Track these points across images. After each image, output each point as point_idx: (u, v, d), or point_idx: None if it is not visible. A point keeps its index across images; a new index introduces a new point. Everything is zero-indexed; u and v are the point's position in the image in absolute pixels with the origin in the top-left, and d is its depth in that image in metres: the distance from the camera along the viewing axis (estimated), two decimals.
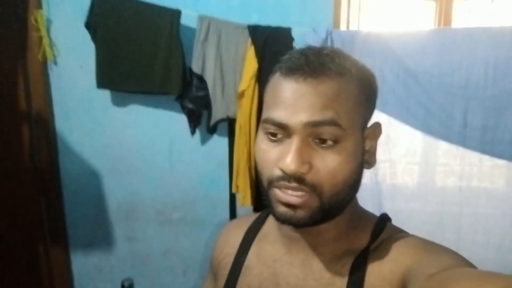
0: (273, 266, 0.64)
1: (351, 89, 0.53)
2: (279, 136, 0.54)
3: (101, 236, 2.10)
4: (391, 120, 1.72)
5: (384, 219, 0.64)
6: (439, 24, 1.83)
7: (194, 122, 1.87)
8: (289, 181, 0.52)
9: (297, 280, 0.61)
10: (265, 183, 0.56)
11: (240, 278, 0.66)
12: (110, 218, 2.08)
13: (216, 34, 1.72)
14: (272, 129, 0.54)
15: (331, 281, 0.58)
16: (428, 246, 0.55)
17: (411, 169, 1.79)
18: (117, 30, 1.72)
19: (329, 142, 0.52)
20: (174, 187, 2.03)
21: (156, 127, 1.97)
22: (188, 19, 1.73)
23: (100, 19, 1.71)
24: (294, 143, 0.51)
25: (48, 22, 1.85)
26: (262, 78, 1.71)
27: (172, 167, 2.01)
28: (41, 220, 2.04)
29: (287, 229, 0.62)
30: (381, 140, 0.62)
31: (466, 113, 1.64)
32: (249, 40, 1.72)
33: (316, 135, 0.52)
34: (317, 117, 0.51)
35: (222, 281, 0.68)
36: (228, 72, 1.77)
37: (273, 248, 0.66)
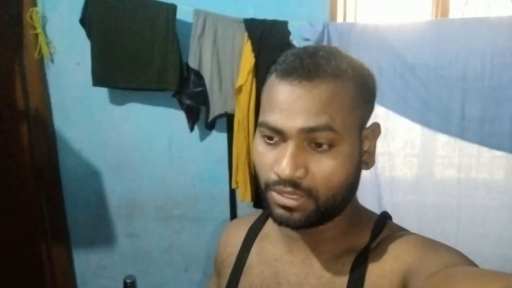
0: (274, 265, 0.65)
1: (347, 91, 0.53)
2: (275, 139, 0.54)
3: (102, 234, 2.11)
4: (389, 113, 1.72)
5: (385, 217, 0.64)
6: (436, 15, 1.82)
7: (193, 118, 1.87)
8: (284, 186, 0.52)
9: (298, 279, 0.61)
10: (262, 186, 0.56)
11: (242, 277, 0.67)
12: (110, 215, 2.09)
13: (212, 28, 1.71)
14: (268, 133, 0.54)
15: (332, 280, 0.58)
16: (429, 245, 0.55)
17: (409, 162, 1.78)
18: (112, 26, 1.71)
19: (324, 147, 0.52)
20: (174, 184, 2.03)
21: (155, 124, 1.97)
22: (184, 14, 1.72)
23: (95, 15, 1.70)
24: (289, 148, 0.51)
25: (44, 19, 1.85)
26: (259, 73, 1.70)
27: (172, 164, 2.01)
28: (42, 219, 2.05)
29: (287, 229, 0.62)
30: (377, 142, 0.61)
31: (464, 105, 1.63)
32: (246, 34, 1.71)
33: (311, 140, 0.52)
34: (311, 122, 0.50)
35: (224, 280, 0.69)
36: (225, 67, 1.76)
37: (274, 247, 0.66)
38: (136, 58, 1.75)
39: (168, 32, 1.71)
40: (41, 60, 1.89)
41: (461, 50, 1.59)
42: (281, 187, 0.53)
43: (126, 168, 2.03)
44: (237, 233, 0.74)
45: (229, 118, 1.86)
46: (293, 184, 0.52)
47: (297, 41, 1.69)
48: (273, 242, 0.67)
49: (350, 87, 0.53)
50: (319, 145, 0.52)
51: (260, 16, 1.72)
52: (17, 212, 1.97)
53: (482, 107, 1.61)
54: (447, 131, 1.69)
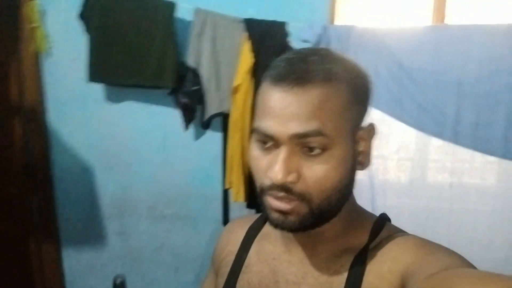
0: (272, 264, 0.65)
1: (339, 95, 0.53)
2: (269, 144, 0.54)
3: (93, 232, 2.08)
4: (384, 116, 1.73)
5: (383, 218, 0.64)
6: (434, 21, 1.84)
7: (188, 116, 1.86)
8: (277, 190, 0.53)
9: (296, 278, 0.61)
10: (258, 190, 0.57)
11: (240, 275, 0.67)
12: (102, 213, 2.06)
13: (211, 28, 1.72)
14: (262, 138, 0.55)
15: (330, 280, 0.58)
16: (428, 246, 0.55)
17: (403, 165, 1.80)
18: (111, 21, 1.70)
19: (316, 151, 0.52)
20: (167, 183, 2.02)
21: (150, 122, 1.96)
22: (183, 12, 1.72)
23: (94, 10, 1.69)
24: (281, 153, 0.52)
25: (42, 13, 1.83)
26: (257, 73, 1.71)
27: (165, 162, 2.00)
28: (32, 216, 2.01)
29: None
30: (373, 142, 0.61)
31: (459, 110, 1.66)
32: (245, 34, 1.72)
33: (303, 145, 0.52)
34: (302, 128, 0.51)
35: (223, 278, 0.69)
36: (223, 67, 1.77)
37: (273, 246, 0.67)
38: (134, 55, 1.74)
39: (167, 29, 1.71)
40: (37, 55, 1.87)
41: (458, 56, 1.62)
42: (275, 192, 0.54)
43: (119, 166, 2.01)
44: (237, 232, 0.74)
45: (225, 117, 1.86)
46: (286, 189, 0.53)
47: (296, 42, 1.70)
48: (272, 242, 0.68)
49: (342, 90, 0.53)
50: (311, 149, 0.52)
51: (259, 16, 1.73)
52: (7, 209, 1.93)
53: (477, 112, 1.64)
54: (441, 135, 1.71)
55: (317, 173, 0.52)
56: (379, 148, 1.77)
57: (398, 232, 0.61)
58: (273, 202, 0.54)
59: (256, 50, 1.70)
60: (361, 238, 0.60)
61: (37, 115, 1.93)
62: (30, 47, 1.82)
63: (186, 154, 1.99)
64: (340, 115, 0.53)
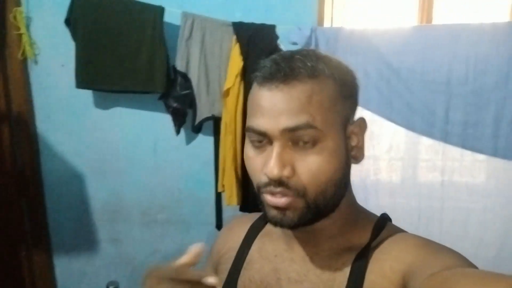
0: (274, 261, 0.65)
1: (326, 89, 0.54)
2: (263, 142, 0.56)
3: (84, 239, 2.06)
4: (374, 117, 1.74)
5: (385, 218, 0.65)
6: (421, 21, 1.86)
7: (179, 121, 1.85)
8: (274, 186, 0.54)
9: (298, 275, 0.62)
10: (256, 189, 0.58)
11: (241, 272, 0.67)
12: (93, 220, 2.04)
13: (200, 31, 1.71)
14: (255, 137, 0.56)
15: (332, 277, 0.59)
16: (430, 246, 0.56)
17: (394, 165, 1.81)
18: (98, 27, 1.69)
19: (308, 144, 0.53)
20: (159, 188, 2.01)
21: (140, 127, 1.95)
22: (171, 16, 1.71)
23: (80, 16, 1.68)
24: (274, 149, 0.54)
25: (28, 19, 1.81)
26: (247, 76, 1.71)
27: (157, 167, 1.99)
28: (22, 223, 1.99)
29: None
30: (365, 136, 0.63)
31: (448, 109, 1.68)
32: (234, 37, 1.72)
33: (295, 139, 0.54)
34: (292, 122, 0.52)
35: (223, 275, 0.69)
36: (213, 70, 1.76)
37: (275, 244, 0.67)
38: (122, 60, 1.73)
39: (155, 34, 1.70)
40: (24, 61, 1.85)
41: (446, 55, 1.64)
42: (272, 188, 0.54)
43: (110, 172, 2.00)
44: (239, 229, 0.74)
45: (216, 121, 1.85)
46: (282, 183, 0.54)
47: (285, 45, 1.70)
48: (274, 240, 0.68)
49: (328, 85, 0.55)
50: (303, 143, 0.53)
51: (247, 19, 1.73)
52: None
53: (465, 111, 1.66)
54: (431, 134, 1.72)
55: (310, 166, 0.54)
56: (370, 149, 1.78)
57: (399, 232, 0.62)
58: (270, 199, 0.55)
59: (245, 53, 1.70)
60: (363, 237, 0.61)
61: (26, 122, 1.91)
62: (16, 54, 1.80)
63: (177, 158, 1.98)
64: (329, 109, 0.54)
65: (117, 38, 1.71)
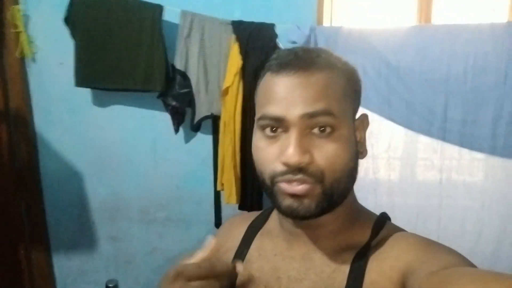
0: (274, 260, 0.65)
1: (340, 81, 0.56)
2: (277, 131, 0.55)
3: (84, 237, 2.06)
4: (373, 116, 1.74)
5: (384, 217, 0.65)
6: (419, 21, 1.86)
7: (178, 119, 1.85)
8: (293, 173, 0.53)
9: (298, 274, 0.61)
10: (267, 181, 0.57)
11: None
12: (93, 218, 2.04)
13: (199, 30, 1.71)
14: (269, 123, 0.55)
15: (332, 275, 0.59)
16: (429, 245, 0.56)
17: (393, 163, 1.82)
18: (97, 25, 1.68)
19: (327, 130, 0.54)
20: (158, 186, 2.01)
21: (139, 125, 1.95)
22: (170, 14, 1.71)
23: (79, 14, 1.67)
24: (293, 135, 0.53)
25: (26, 17, 1.80)
26: (246, 75, 1.71)
27: (156, 166, 1.99)
28: (21, 222, 1.99)
29: (289, 224, 0.63)
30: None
31: (446, 108, 1.68)
32: (233, 36, 1.71)
33: (313, 126, 0.54)
34: (311, 108, 0.53)
35: None
36: (212, 69, 1.76)
37: (275, 243, 0.67)
38: (121, 59, 1.72)
39: (154, 32, 1.69)
40: (22, 59, 1.85)
41: (444, 54, 1.64)
42: (290, 176, 0.54)
43: (109, 170, 1.99)
44: (237, 228, 0.74)
45: (215, 120, 1.85)
46: (302, 170, 0.53)
47: (284, 44, 1.70)
48: (273, 238, 0.68)
49: (341, 78, 0.57)
50: (321, 130, 0.54)
51: (246, 18, 1.73)
52: None
53: (464, 110, 1.66)
54: (429, 133, 1.73)
55: (328, 152, 0.54)
56: (369, 148, 1.76)
57: (399, 231, 0.62)
58: (287, 186, 0.54)
59: (244, 52, 1.69)
60: (363, 235, 0.61)
61: (24, 120, 1.90)
62: (14, 52, 1.80)
63: (176, 157, 1.98)
64: (343, 99, 0.56)
65: (116, 37, 1.70)
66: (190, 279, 0.48)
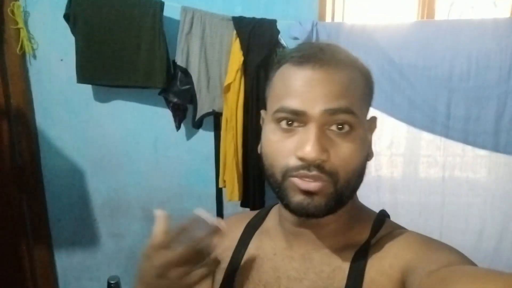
0: (273, 260, 0.64)
1: (360, 80, 0.56)
2: (293, 124, 0.54)
3: (85, 234, 2.06)
4: (375, 112, 1.73)
5: (384, 215, 0.65)
6: (422, 17, 1.85)
7: (179, 116, 1.84)
8: (309, 170, 0.52)
9: (298, 273, 0.61)
10: (278, 175, 0.55)
11: (239, 271, 0.66)
12: (94, 215, 2.04)
13: (200, 26, 1.69)
14: (288, 117, 0.54)
15: (332, 275, 0.58)
16: (429, 243, 0.56)
17: (395, 161, 1.81)
18: (97, 22, 1.67)
19: (345, 129, 0.53)
20: (159, 183, 2.01)
21: (140, 122, 1.94)
22: (171, 10, 1.70)
23: (79, 11, 1.66)
24: (312, 131, 0.52)
25: (26, 13, 1.79)
26: (248, 71, 1.70)
27: (157, 163, 1.99)
28: (23, 219, 1.99)
29: (289, 223, 0.63)
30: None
31: (450, 105, 1.67)
32: (234, 32, 1.70)
33: (332, 122, 0.53)
34: (334, 105, 0.52)
35: (220, 275, 0.68)
36: (213, 65, 1.75)
37: (274, 242, 0.66)
38: (122, 55, 1.71)
39: (155, 29, 1.68)
40: (22, 56, 1.84)
41: (447, 51, 1.63)
42: (305, 172, 0.52)
43: (110, 167, 1.99)
44: (235, 228, 0.73)
45: (216, 116, 1.84)
46: (318, 166, 0.52)
47: (285, 39, 1.69)
48: (272, 238, 0.67)
49: (361, 77, 0.57)
50: (340, 127, 0.53)
51: (248, 14, 1.72)
52: None
53: (467, 106, 1.66)
54: (432, 130, 1.72)
55: (345, 151, 0.53)
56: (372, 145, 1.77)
57: (398, 229, 0.62)
58: (301, 182, 0.53)
59: (246, 48, 1.68)
60: (362, 234, 0.61)
61: (25, 117, 1.90)
62: (15, 48, 1.79)
63: (178, 154, 1.97)
64: (362, 99, 0.56)
65: (117, 33, 1.69)
66: (164, 245, 0.54)
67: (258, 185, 1.79)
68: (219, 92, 1.77)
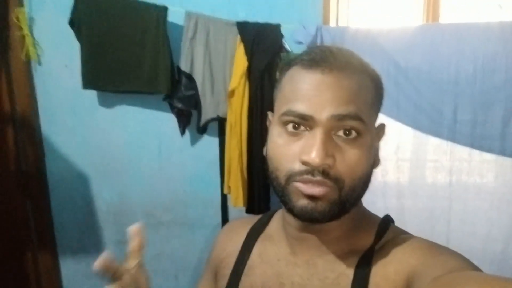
0: (277, 265, 0.63)
1: (370, 86, 0.55)
2: (300, 128, 0.53)
3: (90, 240, 2.06)
4: (381, 117, 1.72)
5: (388, 220, 0.64)
6: (427, 20, 1.84)
7: (184, 122, 1.84)
8: (313, 175, 0.51)
9: (302, 279, 0.60)
10: (282, 179, 0.54)
11: (242, 277, 0.66)
12: (99, 221, 2.04)
13: (204, 31, 1.70)
14: (295, 120, 0.53)
15: (336, 281, 0.57)
16: (434, 248, 0.55)
17: (402, 166, 1.79)
18: (102, 28, 1.68)
19: (352, 135, 0.52)
20: (164, 189, 2.00)
21: (145, 128, 1.94)
22: (175, 16, 1.70)
23: (84, 17, 1.67)
24: (318, 135, 0.51)
25: (31, 20, 1.80)
26: (252, 76, 1.69)
27: (162, 169, 1.98)
28: (28, 225, 1.99)
29: (293, 229, 0.62)
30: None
31: (456, 109, 1.66)
32: (238, 37, 1.70)
33: (339, 128, 0.52)
34: (342, 110, 0.51)
35: (223, 281, 0.68)
36: (218, 70, 1.75)
37: (277, 248, 0.65)
38: (127, 61, 1.72)
39: (159, 34, 1.69)
40: (28, 62, 1.85)
41: (453, 54, 1.62)
42: (309, 177, 0.51)
43: (114, 173, 1.99)
44: (237, 233, 0.72)
45: (221, 122, 1.84)
46: (323, 172, 0.51)
47: (289, 44, 1.68)
48: (276, 243, 0.66)
49: (371, 83, 0.56)
50: (347, 133, 0.52)
51: (251, 19, 1.72)
52: (2, 218, 1.91)
53: (473, 110, 1.64)
54: (439, 134, 1.70)
55: (351, 158, 0.52)
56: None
57: (402, 234, 0.61)
58: (305, 187, 0.52)
59: (250, 53, 1.68)
60: (366, 239, 0.60)
61: (30, 123, 1.90)
62: (20, 55, 1.80)
63: (182, 159, 1.97)
64: (371, 106, 0.55)
65: (121, 39, 1.69)
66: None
67: (263, 191, 1.78)
68: (223, 97, 1.76)
